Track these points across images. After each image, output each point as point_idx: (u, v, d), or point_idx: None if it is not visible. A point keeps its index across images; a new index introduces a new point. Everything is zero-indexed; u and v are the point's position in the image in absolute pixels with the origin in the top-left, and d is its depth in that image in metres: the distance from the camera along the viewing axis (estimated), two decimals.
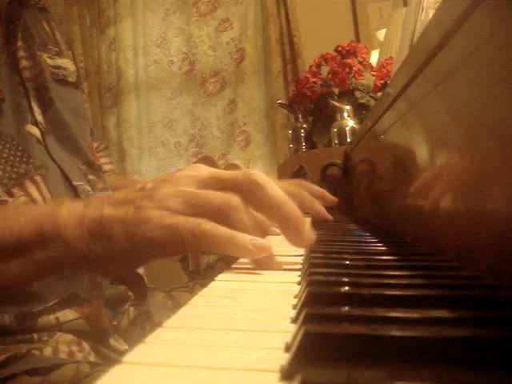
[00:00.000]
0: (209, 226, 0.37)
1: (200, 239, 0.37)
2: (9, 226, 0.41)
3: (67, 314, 0.57)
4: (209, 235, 0.37)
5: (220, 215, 0.38)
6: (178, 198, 0.38)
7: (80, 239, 0.39)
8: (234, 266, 0.41)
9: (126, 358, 0.18)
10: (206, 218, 0.37)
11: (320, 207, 0.62)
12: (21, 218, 0.41)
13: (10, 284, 0.43)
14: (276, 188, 0.40)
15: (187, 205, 0.38)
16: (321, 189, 0.67)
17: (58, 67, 0.72)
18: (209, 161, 1.00)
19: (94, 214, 0.39)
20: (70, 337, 0.56)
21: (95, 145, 0.83)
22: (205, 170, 0.42)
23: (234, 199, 0.38)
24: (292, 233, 0.40)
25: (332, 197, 0.67)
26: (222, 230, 0.37)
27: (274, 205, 0.39)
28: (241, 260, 0.42)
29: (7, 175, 0.57)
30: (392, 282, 0.30)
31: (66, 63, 0.75)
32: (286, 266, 0.40)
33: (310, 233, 0.41)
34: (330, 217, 0.63)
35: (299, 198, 0.59)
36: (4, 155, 0.58)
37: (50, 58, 0.71)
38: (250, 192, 0.39)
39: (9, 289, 0.46)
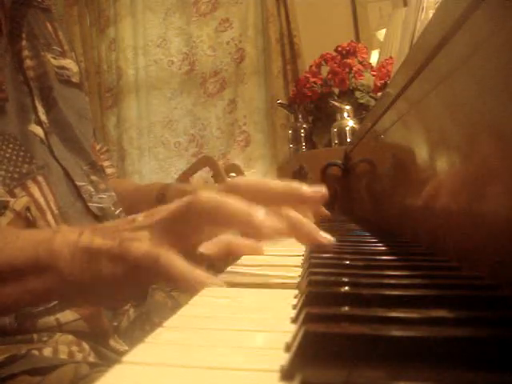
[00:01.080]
0: (167, 257, 0.37)
1: (162, 269, 0.37)
2: (6, 251, 0.41)
3: (67, 315, 0.57)
4: (165, 266, 0.37)
5: (192, 217, 0.38)
6: (150, 227, 0.39)
7: (72, 269, 0.39)
8: (230, 267, 0.41)
9: (126, 357, 0.18)
10: (182, 229, 0.39)
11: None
12: (18, 244, 0.42)
13: (4, 310, 0.43)
14: (228, 202, 0.38)
15: (159, 230, 0.39)
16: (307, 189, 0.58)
17: (62, 67, 0.72)
18: (209, 161, 0.99)
19: (86, 243, 0.40)
20: (70, 337, 0.56)
21: (97, 147, 0.83)
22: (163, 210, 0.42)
23: (197, 195, 0.38)
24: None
25: (319, 193, 0.59)
26: (176, 262, 0.37)
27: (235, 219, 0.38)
28: (240, 261, 0.42)
29: (9, 175, 0.57)
30: (392, 281, 0.30)
31: (70, 64, 0.75)
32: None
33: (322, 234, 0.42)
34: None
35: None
36: (7, 155, 0.58)
37: (54, 58, 0.72)
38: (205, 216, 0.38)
39: (4, 313, 0.47)
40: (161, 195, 0.81)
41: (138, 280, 0.40)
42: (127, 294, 0.46)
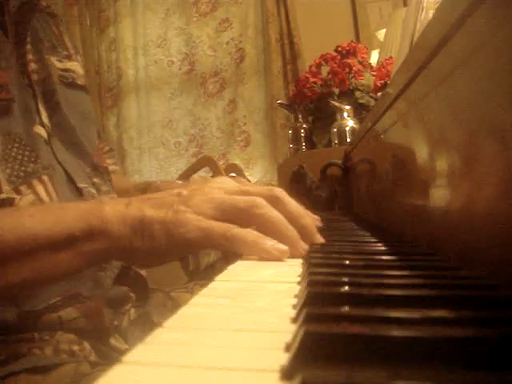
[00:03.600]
0: (237, 230, 0.43)
1: (230, 241, 0.42)
2: (60, 222, 0.45)
3: (69, 313, 0.57)
4: (237, 238, 0.42)
5: (247, 215, 0.44)
6: (209, 204, 0.44)
7: (123, 234, 0.44)
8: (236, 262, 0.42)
9: (126, 357, 0.18)
10: (236, 219, 0.44)
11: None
12: (70, 215, 0.46)
13: (60, 273, 0.47)
14: (294, 203, 0.48)
15: (218, 210, 0.44)
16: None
17: (67, 70, 0.73)
18: (209, 161, 0.99)
19: (136, 213, 0.44)
20: (71, 336, 0.56)
21: (100, 147, 0.84)
22: (232, 183, 0.49)
23: (257, 200, 0.45)
24: (305, 239, 0.46)
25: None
26: (249, 234, 0.43)
27: (292, 215, 0.46)
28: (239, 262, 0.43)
29: (15, 173, 0.58)
30: (392, 281, 0.30)
31: (75, 66, 0.75)
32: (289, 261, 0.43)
33: (320, 238, 0.49)
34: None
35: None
36: (12, 154, 0.58)
37: (59, 61, 0.72)
38: (271, 203, 0.45)
39: (59, 279, 0.51)
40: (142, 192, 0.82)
41: (187, 249, 0.45)
42: (172, 258, 0.51)
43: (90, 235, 0.44)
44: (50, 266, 0.45)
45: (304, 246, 0.45)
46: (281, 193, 0.47)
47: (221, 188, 0.47)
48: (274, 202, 0.46)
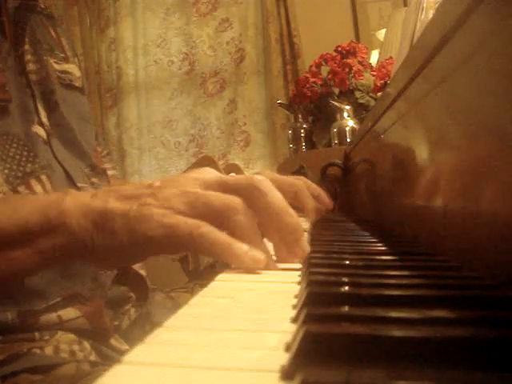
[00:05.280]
0: (207, 229, 0.37)
1: (197, 242, 0.37)
2: (16, 215, 0.41)
3: (69, 313, 0.57)
4: (206, 239, 0.37)
5: (220, 217, 0.38)
6: (181, 198, 0.39)
7: (84, 229, 0.39)
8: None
9: (126, 357, 0.18)
10: (207, 219, 0.38)
11: (313, 204, 0.67)
12: (27, 207, 0.42)
13: (14, 272, 0.43)
14: (278, 195, 0.40)
15: (189, 206, 0.38)
16: (319, 188, 0.70)
17: (65, 72, 0.73)
18: (209, 161, 1.00)
19: (99, 205, 0.40)
20: (72, 336, 0.56)
21: (99, 149, 0.84)
22: (211, 174, 0.42)
23: (235, 201, 0.38)
24: (287, 242, 0.40)
25: (327, 200, 0.71)
26: (219, 235, 0.37)
27: (272, 211, 0.39)
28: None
29: (13, 174, 0.58)
30: (392, 281, 0.30)
31: (72, 68, 0.76)
32: (283, 266, 0.39)
33: (305, 244, 0.40)
34: (313, 216, 0.68)
35: (297, 189, 0.65)
36: (10, 154, 0.58)
37: (57, 63, 0.72)
38: (250, 196, 0.39)
39: (13, 278, 0.46)
40: None
41: (150, 248, 0.39)
42: (136, 259, 0.46)
43: (48, 229, 0.40)
44: (3, 263, 0.41)
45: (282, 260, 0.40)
46: (261, 183, 0.40)
47: (197, 179, 0.41)
48: (253, 194, 0.40)
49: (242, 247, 0.36)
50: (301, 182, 0.67)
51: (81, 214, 0.40)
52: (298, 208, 0.62)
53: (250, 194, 0.40)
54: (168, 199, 0.39)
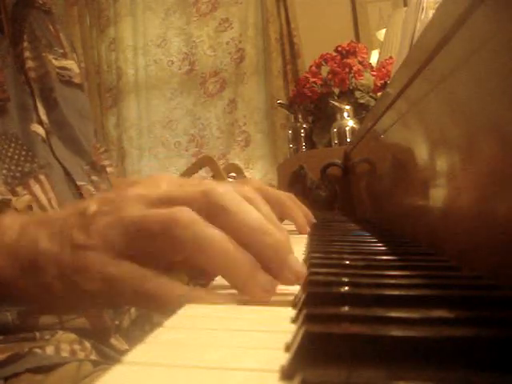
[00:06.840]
0: (154, 283, 0.31)
1: (144, 300, 0.31)
2: None
3: None
4: (153, 295, 0.31)
5: (163, 241, 0.30)
6: (117, 229, 0.31)
7: (10, 277, 0.33)
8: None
9: (126, 357, 0.18)
10: (152, 249, 0.31)
11: (301, 217, 0.65)
12: None
13: None
14: (246, 208, 0.31)
15: (127, 237, 0.31)
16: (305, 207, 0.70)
17: (64, 68, 0.73)
18: (209, 161, 1.00)
19: (29, 247, 0.33)
20: (72, 335, 0.56)
21: (97, 146, 0.84)
22: (158, 188, 0.34)
23: (179, 212, 0.30)
24: (273, 266, 0.30)
25: (306, 222, 0.69)
26: (167, 288, 0.31)
27: (242, 231, 0.30)
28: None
29: (11, 174, 0.57)
30: (392, 281, 0.30)
31: (71, 65, 0.75)
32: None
33: (297, 263, 0.30)
34: (306, 231, 0.66)
35: (284, 201, 0.63)
36: (9, 154, 0.58)
37: (56, 59, 0.72)
38: (210, 215, 0.30)
39: None
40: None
41: (89, 301, 0.33)
42: (76, 308, 0.40)
43: None
44: None
45: (264, 284, 0.29)
46: (223, 196, 0.31)
47: (137, 196, 0.32)
48: (212, 212, 0.30)
49: (201, 295, 0.30)
50: (289, 195, 0.66)
51: (6, 257, 0.33)
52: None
53: (208, 212, 0.30)
54: (103, 233, 0.31)
